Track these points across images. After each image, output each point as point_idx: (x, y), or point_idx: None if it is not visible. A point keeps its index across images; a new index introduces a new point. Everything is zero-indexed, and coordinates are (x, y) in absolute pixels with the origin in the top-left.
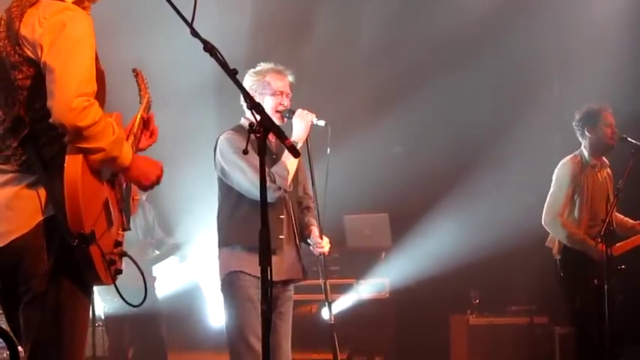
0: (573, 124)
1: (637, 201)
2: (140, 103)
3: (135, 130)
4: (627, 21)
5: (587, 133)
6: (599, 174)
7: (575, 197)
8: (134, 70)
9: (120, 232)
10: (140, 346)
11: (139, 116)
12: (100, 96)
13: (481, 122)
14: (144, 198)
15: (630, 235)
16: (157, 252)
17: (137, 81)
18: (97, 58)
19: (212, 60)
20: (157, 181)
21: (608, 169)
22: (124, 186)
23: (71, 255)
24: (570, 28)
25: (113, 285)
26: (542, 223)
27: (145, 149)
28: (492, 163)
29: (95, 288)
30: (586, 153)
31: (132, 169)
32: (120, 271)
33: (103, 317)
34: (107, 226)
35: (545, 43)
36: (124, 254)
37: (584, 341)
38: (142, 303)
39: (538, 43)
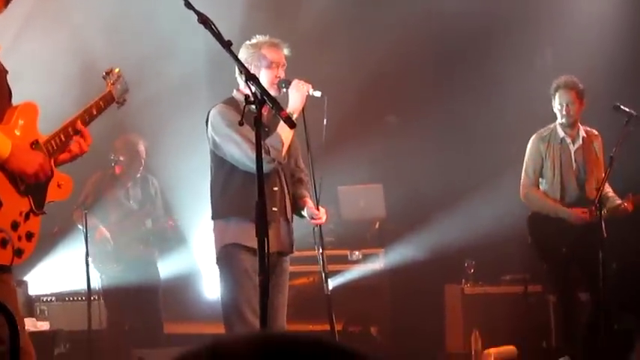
0: None
1: (631, 170)
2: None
3: (57, 133)
4: None
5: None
6: (570, 147)
7: (543, 170)
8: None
9: (22, 213)
10: (137, 319)
11: (69, 120)
12: None
13: (475, 90)
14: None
15: (612, 213)
16: (151, 225)
17: (106, 80)
18: None
19: (204, 38)
20: (41, 170)
21: (595, 140)
22: None
23: None
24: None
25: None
26: (522, 200)
27: (60, 164)
28: (488, 131)
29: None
30: (558, 125)
31: (11, 161)
32: (20, 251)
33: (101, 290)
34: None
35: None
36: (29, 234)
37: (559, 307)
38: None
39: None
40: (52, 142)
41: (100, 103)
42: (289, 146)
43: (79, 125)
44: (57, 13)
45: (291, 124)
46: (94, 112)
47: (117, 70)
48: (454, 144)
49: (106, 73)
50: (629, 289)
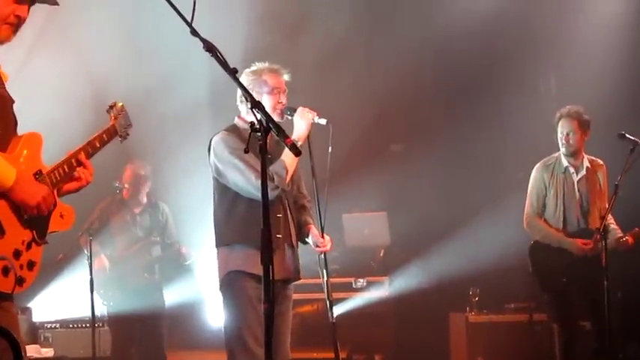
0: None
1: (636, 198)
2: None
3: (60, 164)
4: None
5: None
6: (573, 177)
7: (546, 200)
8: (110, 104)
9: (24, 242)
10: (141, 345)
11: (73, 152)
12: None
13: (479, 119)
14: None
15: (613, 246)
16: (160, 253)
17: (109, 113)
18: None
19: (208, 66)
20: (44, 203)
21: (599, 170)
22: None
23: None
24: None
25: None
26: (525, 229)
27: (64, 194)
28: (492, 160)
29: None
30: (562, 155)
31: (15, 190)
32: (22, 280)
33: (105, 317)
34: None
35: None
36: (31, 263)
37: (561, 335)
38: None
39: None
40: (56, 172)
41: (104, 136)
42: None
43: (82, 157)
44: (64, 38)
45: (296, 151)
46: (98, 145)
47: (120, 104)
48: (459, 172)
49: (110, 107)
50: (634, 318)
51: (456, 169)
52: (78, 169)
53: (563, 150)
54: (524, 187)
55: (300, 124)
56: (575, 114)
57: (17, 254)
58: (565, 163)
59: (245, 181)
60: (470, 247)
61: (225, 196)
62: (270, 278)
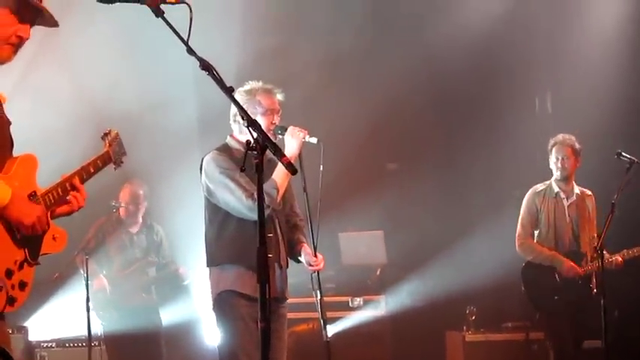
0: None
1: (632, 216)
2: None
3: (55, 187)
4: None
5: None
6: (564, 202)
7: (538, 224)
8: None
9: (16, 262)
10: None
11: (68, 175)
12: None
13: (475, 137)
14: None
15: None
16: (156, 273)
17: (104, 140)
18: None
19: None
20: (38, 223)
21: (588, 199)
22: None
23: None
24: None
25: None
26: (517, 250)
27: (56, 217)
28: (488, 178)
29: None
30: (553, 181)
31: (10, 209)
32: (13, 299)
33: (102, 336)
34: None
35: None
36: (22, 284)
37: (554, 355)
38: None
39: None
40: (50, 195)
41: (98, 162)
42: (284, 192)
43: (77, 182)
44: (60, 59)
45: (292, 170)
46: (92, 170)
47: (115, 132)
48: (455, 191)
49: (105, 134)
50: (629, 337)
51: (452, 188)
52: (71, 193)
53: (557, 174)
54: (520, 205)
55: (291, 143)
56: (568, 141)
57: (9, 274)
58: (556, 188)
59: (236, 200)
60: (466, 265)
61: (216, 216)
62: (267, 297)
